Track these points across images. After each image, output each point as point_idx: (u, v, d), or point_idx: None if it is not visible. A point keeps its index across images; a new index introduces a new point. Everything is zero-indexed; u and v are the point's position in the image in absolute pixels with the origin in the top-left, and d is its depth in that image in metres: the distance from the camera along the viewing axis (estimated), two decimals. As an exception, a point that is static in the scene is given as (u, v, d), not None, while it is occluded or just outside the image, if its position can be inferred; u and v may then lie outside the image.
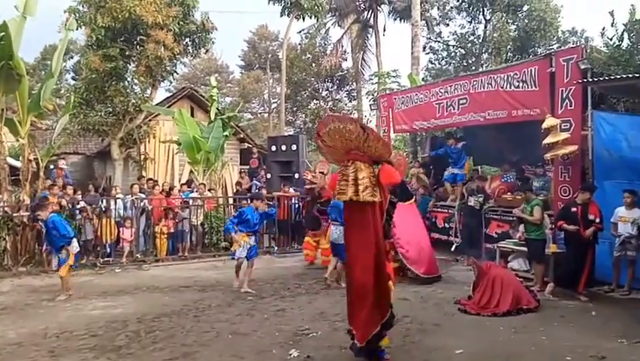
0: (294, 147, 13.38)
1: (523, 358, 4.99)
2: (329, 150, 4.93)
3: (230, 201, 13.24)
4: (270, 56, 37.05)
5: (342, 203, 8.33)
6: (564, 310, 6.74)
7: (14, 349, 5.34)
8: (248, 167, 16.74)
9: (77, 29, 14.15)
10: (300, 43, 30.65)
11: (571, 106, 8.18)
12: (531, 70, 9.07)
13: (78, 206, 10.61)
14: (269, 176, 14.00)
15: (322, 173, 10.59)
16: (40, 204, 8.59)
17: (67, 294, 7.66)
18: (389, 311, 4.76)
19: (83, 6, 14.49)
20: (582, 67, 8.05)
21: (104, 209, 10.88)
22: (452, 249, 10.75)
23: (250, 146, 19.07)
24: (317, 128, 4.89)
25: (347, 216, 5.00)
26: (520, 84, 9.25)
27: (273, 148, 13.83)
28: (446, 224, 11.24)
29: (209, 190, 12.76)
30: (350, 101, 29.98)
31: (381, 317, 4.69)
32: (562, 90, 8.31)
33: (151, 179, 13.36)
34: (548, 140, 8.13)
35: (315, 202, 10.15)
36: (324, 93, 29.94)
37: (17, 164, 11.69)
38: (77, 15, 13.93)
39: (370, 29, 27.42)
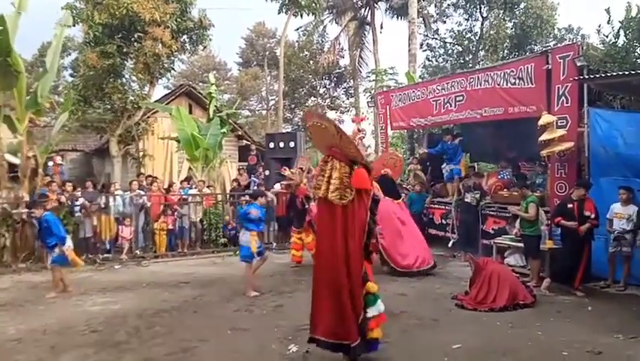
0: (292, 144, 13.40)
1: (519, 353, 5.05)
2: (314, 142, 5.03)
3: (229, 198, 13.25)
4: (267, 53, 37.01)
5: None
6: (560, 306, 6.80)
7: (14, 345, 5.39)
8: (246, 164, 16.76)
9: (74, 26, 14.15)
10: (297, 41, 30.65)
11: (567, 103, 8.23)
12: (527, 67, 9.11)
13: (77, 203, 10.63)
14: (267, 173, 14.02)
15: (301, 169, 10.49)
16: (35, 202, 8.63)
17: (57, 291, 7.68)
18: (362, 314, 4.59)
19: (80, 3, 14.48)
20: (578, 64, 8.10)
21: (103, 206, 10.90)
22: (449, 245, 10.81)
23: (248, 143, 19.09)
24: (306, 118, 4.97)
25: (318, 212, 5.03)
26: (517, 81, 9.29)
27: (271, 145, 13.85)
28: (443, 220, 11.31)
29: (207, 187, 12.79)
30: (347, 98, 30.03)
31: (354, 318, 4.53)
32: (558, 87, 8.35)
33: (150, 176, 13.39)
34: (545, 137, 8.18)
35: (294, 199, 9.95)
36: (321, 90, 29.98)
37: (16, 161, 11.67)
38: (75, 12, 13.91)
39: (367, 26, 27.42)
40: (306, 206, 9.42)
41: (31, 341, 5.52)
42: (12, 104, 11.23)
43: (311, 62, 29.07)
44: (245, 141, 19.67)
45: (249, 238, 7.60)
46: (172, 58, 16.08)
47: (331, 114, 29.34)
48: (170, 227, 11.26)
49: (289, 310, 6.65)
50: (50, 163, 13.21)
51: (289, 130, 26.82)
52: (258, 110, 40.65)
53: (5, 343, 5.43)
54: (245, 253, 7.65)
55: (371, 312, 4.67)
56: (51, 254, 7.89)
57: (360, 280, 4.63)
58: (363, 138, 8.41)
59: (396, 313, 6.34)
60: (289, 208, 10.75)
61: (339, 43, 28.00)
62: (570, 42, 15.08)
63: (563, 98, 8.28)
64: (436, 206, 11.64)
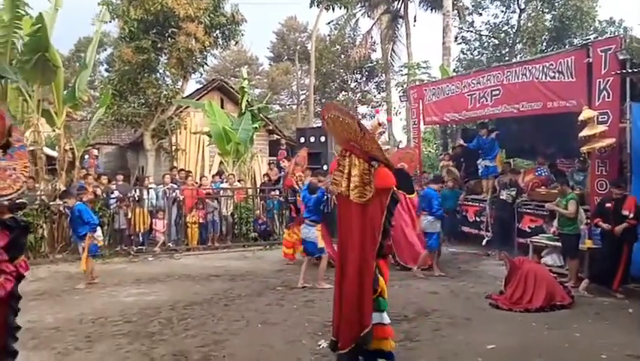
0: (322, 139, 13.35)
1: (556, 355, 4.89)
2: (331, 134, 4.81)
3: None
4: (298, 47, 37.02)
5: (431, 191, 8.40)
6: (599, 308, 6.57)
7: (52, 333, 5.52)
8: (276, 158, 16.82)
9: (110, 22, 14.41)
10: (329, 35, 30.52)
11: (608, 98, 7.93)
12: (567, 60, 8.82)
13: (112, 195, 10.86)
14: (298, 167, 14.03)
15: (296, 163, 10.45)
16: (67, 191, 8.79)
17: (87, 283, 7.83)
18: (369, 326, 4.20)
19: (116, -1, 14.75)
20: (620, 57, 7.78)
21: (137, 199, 11.11)
22: (483, 243, 10.60)
23: (279, 137, 19.15)
24: (323, 110, 4.72)
25: (338, 209, 4.76)
26: (556, 75, 9.01)
27: (302, 140, 13.84)
28: (477, 218, 11.08)
29: (238, 181, 12.88)
30: (379, 93, 29.73)
31: (360, 326, 4.21)
32: (599, 81, 8.05)
33: (183, 169, 13.58)
34: (585, 132, 7.89)
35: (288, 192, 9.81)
36: (352, 85, 29.77)
37: (54, 154, 12.01)
38: (110, 7, 14.15)
39: (400, 20, 27.06)
40: (290, 198, 9.23)
41: (67, 330, 5.66)
42: (50, 99, 11.55)
43: (342, 56, 28.91)
44: (276, 136, 19.73)
45: (316, 234, 7.62)
46: (205, 53, 16.20)
47: (362, 109, 29.17)
48: (202, 221, 11.39)
49: (320, 306, 6.62)
50: (87, 156, 13.52)
51: (320, 125, 26.76)
52: (289, 105, 40.79)
53: (43, 331, 5.58)
54: (312, 248, 7.65)
55: (375, 318, 4.27)
56: (81, 244, 8.06)
57: (371, 284, 4.28)
58: (384, 133, 8.29)
59: (427, 312, 6.25)
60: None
61: (371, 37, 27.74)
62: (612, 35, 14.55)
63: (605, 92, 7.98)
64: (470, 203, 11.41)
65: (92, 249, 7.97)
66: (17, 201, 3.23)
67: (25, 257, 3.26)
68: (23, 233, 3.21)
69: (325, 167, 13.06)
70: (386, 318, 4.40)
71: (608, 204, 7.19)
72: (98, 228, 8.20)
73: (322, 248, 7.61)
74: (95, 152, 14.04)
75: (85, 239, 7.88)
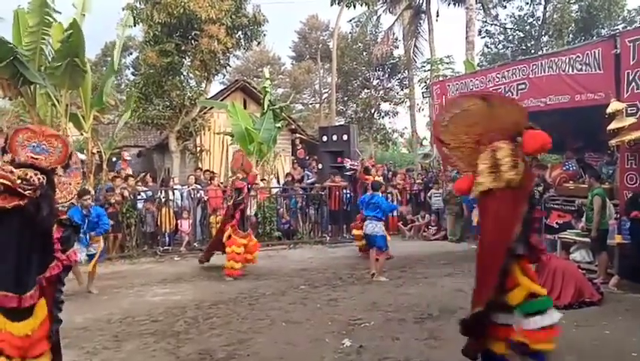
0: (345, 137, 13.35)
1: (585, 352, 4.79)
2: (457, 154, 4.20)
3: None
4: (320, 46, 36.96)
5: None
6: (630, 304, 6.39)
7: (80, 333, 5.63)
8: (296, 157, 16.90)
9: (135, 26, 14.65)
10: (350, 32, 30.38)
11: (637, 89, 7.68)
12: (595, 52, 8.58)
13: (139, 197, 11.05)
14: (320, 166, 14.04)
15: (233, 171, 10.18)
16: (85, 190, 8.02)
17: (92, 288, 7.55)
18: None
19: (140, 3, 14.97)
20: (650, 47, 7.55)
21: (163, 200, 11.28)
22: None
23: (295, 137, 19.21)
24: (433, 133, 4.22)
25: (483, 210, 4.16)
26: (584, 67, 8.78)
27: (324, 138, 13.85)
28: (503, 214, 10.90)
29: (261, 180, 12.97)
30: (402, 90, 29.43)
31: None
32: (628, 73, 7.81)
33: (208, 170, 13.73)
34: (613, 125, 7.68)
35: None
36: (375, 82, 29.55)
37: (82, 157, 12.28)
38: (135, 12, 14.39)
39: (423, 15, 26.75)
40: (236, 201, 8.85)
41: (96, 329, 5.78)
42: (78, 103, 11.80)
43: (364, 53, 28.76)
44: (298, 135, 19.78)
45: (383, 228, 8.21)
46: (227, 54, 16.36)
47: (385, 106, 28.96)
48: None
49: (343, 305, 6.63)
50: (114, 159, 13.80)
51: (342, 123, 26.72)
52: (311, 104, 40.81)
53: (72, 331, 5.69)
54: (381, 242, 8.15)
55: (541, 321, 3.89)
56: (87, 251, 7.54)
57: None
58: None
59: (453, 310, 6.18)
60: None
61: (393, 33, 27.48)
62: (642, 24, 14.13)
63: (634, 84, 7.74)
64: (495, 199, 11.22)
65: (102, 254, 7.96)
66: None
67: None
68: (75, 231, 3.98)
69: (348, 165, 13.07)
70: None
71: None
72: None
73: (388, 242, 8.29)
74: (126, 154, 14.30)
75: (92, 244, 7.60)
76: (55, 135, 3.94)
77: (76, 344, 5.26)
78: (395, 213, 12.00)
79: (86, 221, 7.38)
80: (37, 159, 3.67)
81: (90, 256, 7.57)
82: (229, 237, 8.44)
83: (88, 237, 7.49)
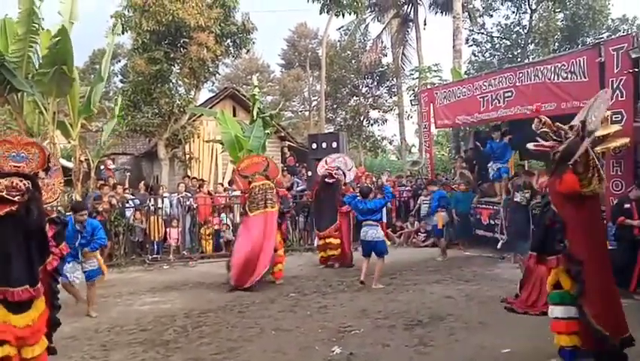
0: (334, 145, 13.36)
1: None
2: None
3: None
4: (309, 53, 37.09)
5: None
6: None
7: (68, 342, 5.58)
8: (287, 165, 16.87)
9: (123, 34, 14.62)
10: (339, 40, 30.54)
11: (622, 97, 7.83)
12: (579, 60, 8.73)
13: (127, 205, 10.98)
14: (309, 174, 14.05)
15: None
16: (82, 204, 7.73)
17: (91, 312, 6.75)
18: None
19: (128, 11, 14.93)
20: (633, 56, 7.66)
21: (152, 208, 11.22)
22: (498, 246, 10.49)
23: (284, 145, 19.24)
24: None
25: (591, 212, 4.52)
26: (569, 75, 8.93)
27: (314, 146, 13.86)
28: (491, 221, 10.99)
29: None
30: (390, 97, 29.60)
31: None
32: (612, 81, 7.96)
33: (195, 178, 13.68)
34: (599, 133, 7.77)
35: None
36: (364, 90, 29.68)
37: (69, 165, 12.19)
38: (123, 20, 14.36)
39: (410, 23, 27.05)
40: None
41: (84, 338, 5.73)
42: (65, 111, 11.73)
43: (353, 61, 28.91)
44: (288, 142, 19.80)
45: (382, 233, 8.04)
46: (216, 62, 16.36)
47: (374, 114, 29.10)
48: (217, 228, 11.45)
49: (333, 312, 6.63)
50: (102, 167, 13.71)
51: (332, 130, 26.77)
52: (301, 111, 40.85)
53: (60, 340, 5.59)
54: (383, 247, 7.99)
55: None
56: (84, 269, 6.80)
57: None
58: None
59: (442, 316, 6.22)
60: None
61: (382, 42, 27.75)
62: (625, 33, 14.39)
63: (618, 91, 7.88)
64: (484, 206, 11.32)
65: (94, 273, 6.90)
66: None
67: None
68: (64, 227, 4.60)
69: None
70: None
71: (628, 205, 7.11)
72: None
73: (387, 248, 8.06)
74: (110, 162, 14.21)
75: (90, 259, 6.86)
76: (31, 143, 4.33)
77: (64, 353, 5.19)
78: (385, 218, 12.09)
79: (79, 237, 6.65)
80: (19, 166, 4.03)
81: (88, 275, 6.78)
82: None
83: (81, 253, 6.68)
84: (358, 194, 8.50)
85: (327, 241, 9.81)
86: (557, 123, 4.65)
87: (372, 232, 7.94)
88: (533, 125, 4.68)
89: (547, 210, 4.51)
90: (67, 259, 6.18)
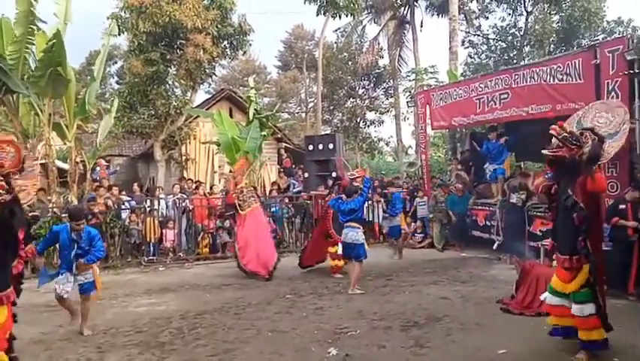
0: (330, 146, 13.39)
1: (568, 359, 4.84)
2: None
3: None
4: (306, 55, 37.11)
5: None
6: (612, 311, 6.39)
7: (64, 344, 5.57)
8: (282, 167, 16.90)
9: (119, 35, 14.59)
10: (336, 42, 30.57)
11: (617, 99, 7.87)
12: (575, 62, 8.78)
13: (123, 207, 10.95)
14: (306, 175, 14.06)
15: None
16: (81, 212, 6.42)
17: (85, 330, 6.02)
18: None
19: (124, 12, 14.92)
20: (628, 58, 7.71)
21: (148, 209, 11.19)
22: (494, 247, 10.52)
23: (280, 147, 19.23)
24: None
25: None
26: (565, 77, 8.97)
27: (310, 147, 13.88)
28: (487, 222, 11.01)
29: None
30: (387, 99, 29.63)
31: None
32: (607, 82, 7.99)
33: (190, 179, 13.66)
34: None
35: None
36: (360, 91, 29.70)
37: (65, 166, 12.16)
38: (120, 21, 14.33)
39: (407, 25, 27.07)
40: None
41: (79, 340, 5.70)
42: (61, 112, 11.70)
43: (350, 62, 28.93)
44: (284, 144, 19.80)
45: (363, 236, 7.88)
46: (213, 63, 16.34)
47: (370, 115, 29.11)
48: (212, 231, 11.44)
49: (329, 313, 6.63)
50: (97, 168, 13.68)
51: (328, 132, 26.78)
52: (297, 113, 40.86)
53: (56, 342, 5.63)
54: (362, 251, 7.81)
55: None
56: (80, 281, 6.01)
57: None
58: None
59: (438, 317, 6.22)
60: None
61: (378, 43, 27.74)
62: (620, 35, 14.45)
63: (613, 93, 7.92)
64: (480, 207, 11.34)
65: (89, 286, 6.09)
66: (31, 214, 4.50)
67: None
68: (30, 227, 4.58)
69: (334, 174, 13.06)
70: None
71: (623, 206, 7.14)
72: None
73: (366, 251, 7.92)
74: (104, 162, 14.17)
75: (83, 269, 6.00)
76: (7, 141, 4.16)
77: (60, 355, 5.19)
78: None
79: (75, 246, 5.89)
80: None
81: (82, 288, 6.02)
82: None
83: (76, 265, 5.92)
84: (343, 195, 8.23)
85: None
86: (572, 129, 5.16)
87: (353, 233, 7.76)
88: (553, 132, 5.04)
89: (579, 209, 4.66)
90: (60, 270, 5.92)
